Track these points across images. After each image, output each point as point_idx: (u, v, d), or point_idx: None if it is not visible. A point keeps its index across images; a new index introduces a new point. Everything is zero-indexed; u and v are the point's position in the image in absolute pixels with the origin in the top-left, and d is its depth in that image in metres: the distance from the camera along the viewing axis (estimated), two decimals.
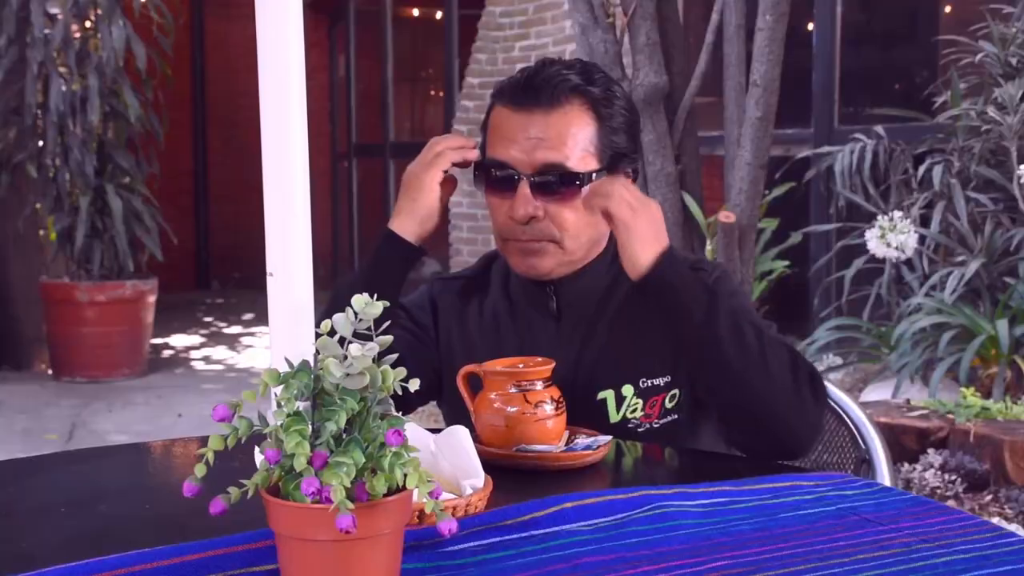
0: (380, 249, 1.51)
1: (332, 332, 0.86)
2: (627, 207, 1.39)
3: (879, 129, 4.79)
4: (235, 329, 8.35)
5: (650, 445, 1.47)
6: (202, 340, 7.78)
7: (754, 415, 1.36)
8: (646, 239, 1.39)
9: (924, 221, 4.43)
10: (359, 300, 0.87)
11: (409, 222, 1.49)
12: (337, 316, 0.87)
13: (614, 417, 1.49)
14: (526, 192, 1.45)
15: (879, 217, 4.20)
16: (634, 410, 1.49)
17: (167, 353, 7.18)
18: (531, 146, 1.44)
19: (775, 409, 1.34)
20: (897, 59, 6.27)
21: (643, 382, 1.49)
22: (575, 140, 1.45)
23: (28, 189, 6.19)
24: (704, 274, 1.48)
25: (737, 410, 1.38)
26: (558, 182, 1.45)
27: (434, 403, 1.66)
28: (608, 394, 1.49)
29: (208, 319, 8.88)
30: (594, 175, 1.46)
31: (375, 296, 0.86)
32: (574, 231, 1.48)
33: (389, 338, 0.87)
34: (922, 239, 4.33)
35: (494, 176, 1.48)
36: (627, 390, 1.49)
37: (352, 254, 9.25)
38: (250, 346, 7.57)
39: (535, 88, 1.45)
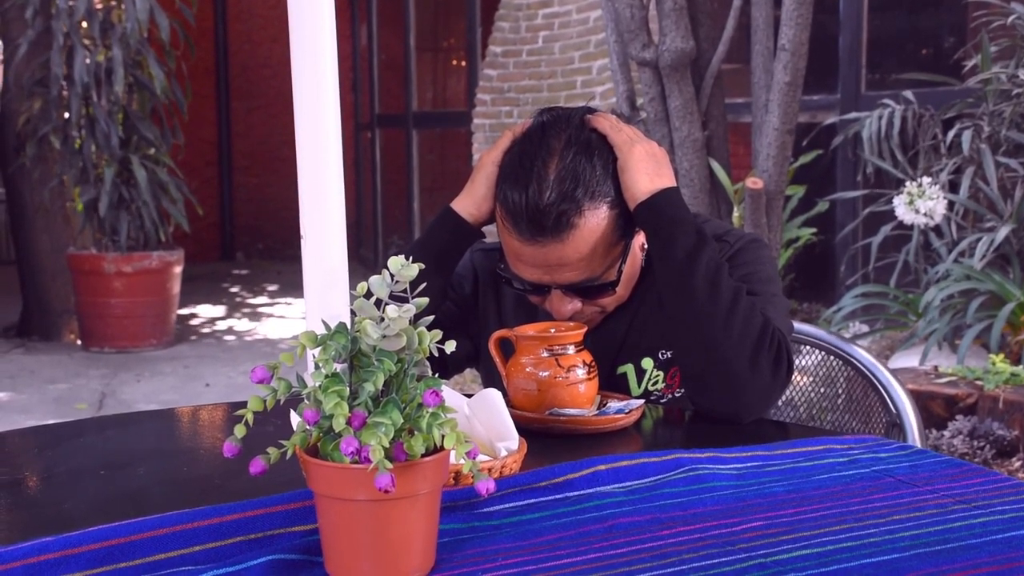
0: (433, 223, 1.52)
1: (368, 294, 0.87)
2: (625, 135, 1.42)
3: (908, 94, 4.73)
4: (260, 300, 8.40)
5: (680, 411, 1.47)
6: (227, 311, 7.83)
7: (705, 367, 1.37)
8: (644, 169, 1.40)
9: (953, 187, 4.38)
10: (395, 262, 0.87)
11: (467, 201, 1.48)
12: (373, 278, 0.87)
13: (635, 390, 1.50)
14: (561, 298, 1.45)
15: (907, 183, 4.15)
16: (655, 382, 1.50)
17: (193, 324, 7.23)
18: (554, 270, 1.42)
19: (726, 367, 1.34)
20: (925, 22, 6.17)
21: (663, 354, 1.50)
22: (595, 252, 1.41)
23: (54, 161, 6.23)
24: (726, 246, 1.48)
25: (692, 358, 1.39)
26: (593, 288, 1.45)
27: (458, 374, 1.67)
28: (628, 368, 1.51)
29: (233, 290, 8.93)
30: (621, 264, 1.45)
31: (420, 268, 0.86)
32: (617, 303, 1.50)
33: (425, 300, 0.87)
34: (951, 205, 4.28)
35: (524, 286, 1.46)
36: (647, 363, 1.50)
37: (376, 224, 9.25)
38: (276, 316, 7.61)
39: (540, 223, 1.37)
